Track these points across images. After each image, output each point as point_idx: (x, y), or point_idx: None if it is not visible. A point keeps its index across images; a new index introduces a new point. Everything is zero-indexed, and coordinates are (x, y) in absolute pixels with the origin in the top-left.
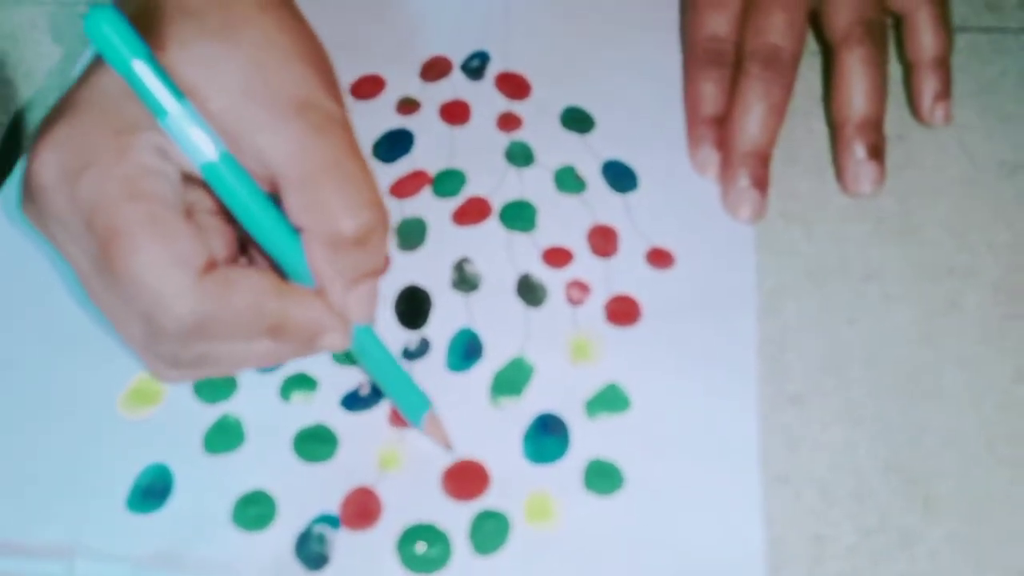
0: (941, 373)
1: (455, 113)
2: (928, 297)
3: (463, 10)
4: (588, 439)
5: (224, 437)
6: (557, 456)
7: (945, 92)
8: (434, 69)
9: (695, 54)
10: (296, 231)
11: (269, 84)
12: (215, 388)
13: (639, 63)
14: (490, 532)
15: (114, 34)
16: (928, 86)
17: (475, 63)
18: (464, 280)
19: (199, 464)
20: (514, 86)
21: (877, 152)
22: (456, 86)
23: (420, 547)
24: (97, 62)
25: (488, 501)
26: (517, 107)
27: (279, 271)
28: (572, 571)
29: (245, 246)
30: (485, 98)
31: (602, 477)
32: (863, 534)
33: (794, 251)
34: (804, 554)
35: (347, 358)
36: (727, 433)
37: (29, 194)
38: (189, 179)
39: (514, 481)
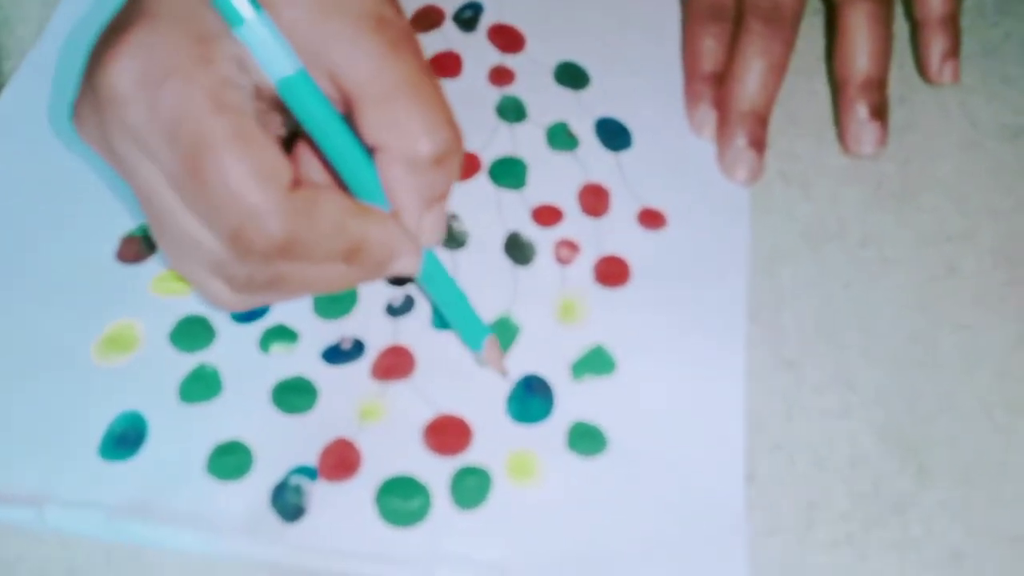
0: (938, 339)
1: (446, 65)
2: (926, 262)
3: None
4: (573, 401)
5: (200, 386)
6: (541, 417)
7: (954, 50)
8: (425, 19)
9: (695, 9)
10: (369, 152)
11: (345, 1)
12: (192, 337)
13: (637, 18)
14: (471, 487)
15: None
16: (937, 44)
17: (467, 14)
18: (451, 237)
19: (174, 413)
20: (507, 39)
21: (880, 112)
22: (448, 37)
23: (398, 501)
24: None
25: (470, 457)
26: (510, 61)
27: (333, 176)
28: (553, 529)
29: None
30: (477, 50)
31: (586, 439)
32: (856, 500)
33: (791, 213)
34: (797, 520)
35: (329, 310)
36: (713, 398)
37: (97, 104)
38: (259, 96)
39: (497, 438)
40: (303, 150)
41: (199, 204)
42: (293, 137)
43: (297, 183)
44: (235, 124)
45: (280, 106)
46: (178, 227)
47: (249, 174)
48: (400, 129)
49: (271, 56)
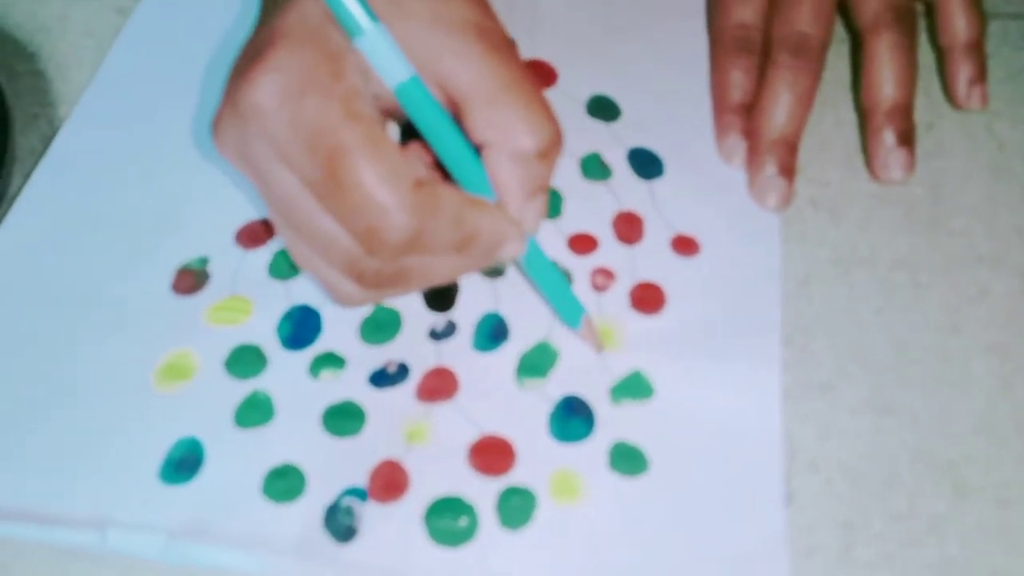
0: (970, 361)
1: None
2: (957, 285)
3: None
4: (613, 423)
5: (254, 412)
6: (582, 436)
7: (980, 76)
8: None
9: (722, 42)
10: (476, 149)
11: (449, 12)
12: (246, 364)
13: (665, 51)
14: (516, 507)
15: None
16: (963, 70)
17: None
18: (491, 267)
19: (230, 438)
20: (540, 74)
21: (907, 139)
22: None
23: (448, 522)
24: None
25: (514, 477)
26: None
27: (439, 171)
28: (597, 547)
29: None
30: None
31: (627, 459)
32: (892, 521)
33: (822, 239)
34: (834, 541)
35: (375, 336)
36: (751, 421)
37: (238, 119)
38: (377, 105)
39: (540, 458)
40: (415, 149)
41: (337, 205)
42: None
43: (420, 182)
44: (366, 131)
45: (390, 112)
46: (314, 229)
47: (381, 175)
48: (506, 127)
49: (388, 63)
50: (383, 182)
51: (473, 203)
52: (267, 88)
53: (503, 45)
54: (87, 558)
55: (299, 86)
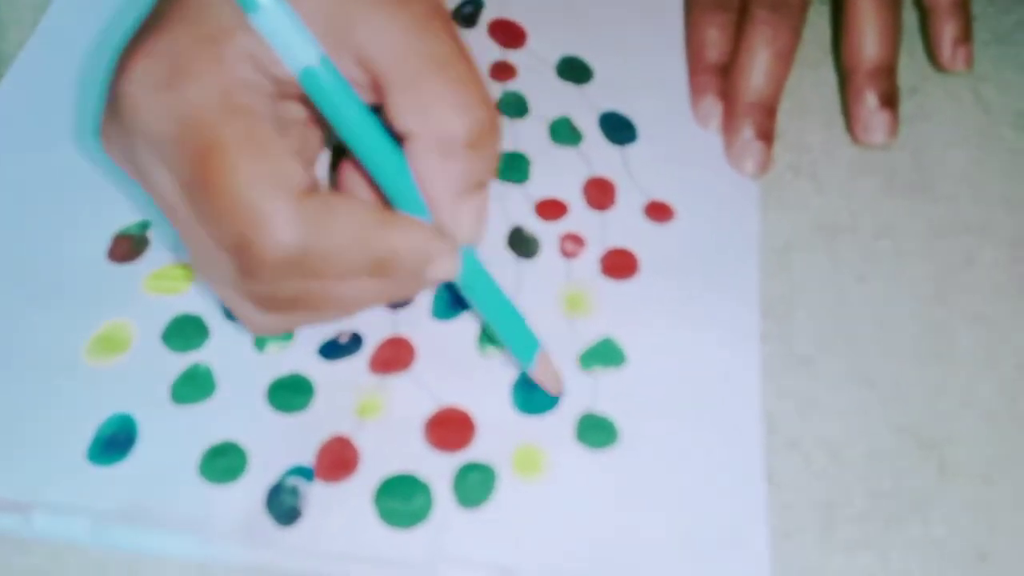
0: (956, 332)
1: None
2: (942, 254)
3: None
4: (581, 392)
5: (193, 387)
6: (548, 407)
7: (965, 36)
8: None
9: None
10: (399, 143)
11: None
12: (186, 336)
13: (638, 10)
14: (475, 484)
15: None
16: (947, 30)
17: (468, 9)
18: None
19: (166, 414)
20: (508, 34)
21: (890, 100)
22: None
23: (398, 502)
24: None
25: (473, 452)
26: (511, 56)
27: (378, 194)
28: (562, 526)
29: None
30: (478, 46)
31: (595, 430)
32: (875, 499)
33: (803, 205)
34: (814, 520)
35: None
36: (728, 392)
37: (114, 111)
38: (281, 92)
39: (502, 431)
40: (346, 165)
41: (206, 211)
42: (340, 151)
43: (312, 189)
44: (245, 127)
45: (300, 98)
46: (198, 240)
47: (257, 179)
48: (430, 110)
49: (289, 45)
50: (258, 187)
51: (385, 220)
52: (138, 77)
53: (432, 14)
54: (10, 543)
55: (172, 73)
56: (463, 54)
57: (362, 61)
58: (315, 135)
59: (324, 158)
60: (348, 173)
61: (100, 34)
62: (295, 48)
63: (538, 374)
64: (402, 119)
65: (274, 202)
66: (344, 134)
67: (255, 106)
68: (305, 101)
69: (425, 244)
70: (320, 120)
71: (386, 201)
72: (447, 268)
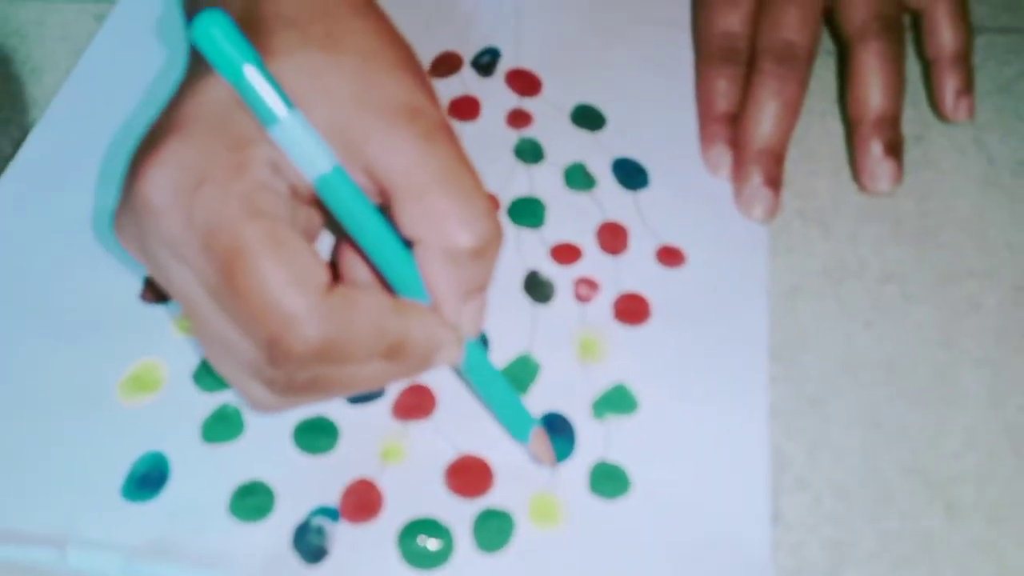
0: (961, 375)
1: (465, 109)
2: (947, 299)
3: (474, 6)
4: (595, 440)
5: (223, 426)
6: (563, 456)
7: (967, 87)
8: (444, 65)
9: (708, 51)
10: (407, 245)
11: (377, 92)
12: (215, 377)
13: (651, 60)
14: (494, 530)
15: (224, 39)
16: (950, 82)
17: (486, 59)
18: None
19: (196, 453)
20: (525, 83)
21: (895, 149)
22: (466, 82)
23: (422, 541)
24: (196, 74)
25: (492, 499)
26: (527, 104)
27: (377, 275)
28: (577, 573)
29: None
30: (495, 94)
31: (608, 480)
32: (885, 539)
33: (811, 251)
34: (823, 560)
35: None
36: (737, 437)
37: (132, 210)
38: (296, 195)
39: (519, 479)
40: (346, 247)
41: (235, 311)
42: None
43: (333, 285)
44: (269, 230)
45: (318, 202)
46: (217, 332)
47: (284, 280)
48: (438, 222)
49: (306, 154)
50: (286, 288)
51: (399, 308)
52: (159, 183)
53: (438, 129)
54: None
55: (194, 180)
56: (467, 167)
57: (371, 172)
58: (316, 220)
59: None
60: (348, 257)
61: (134, 77)
62: (311, 157)
63: (534, 450)
64: (411, 228)
65: (300, 300)
66: (357, 236)
67: (276, 209)
68: (317, 203)
69: (436, 332)
70: (329, 218)
71: (384, 282)
72: (453, 355)
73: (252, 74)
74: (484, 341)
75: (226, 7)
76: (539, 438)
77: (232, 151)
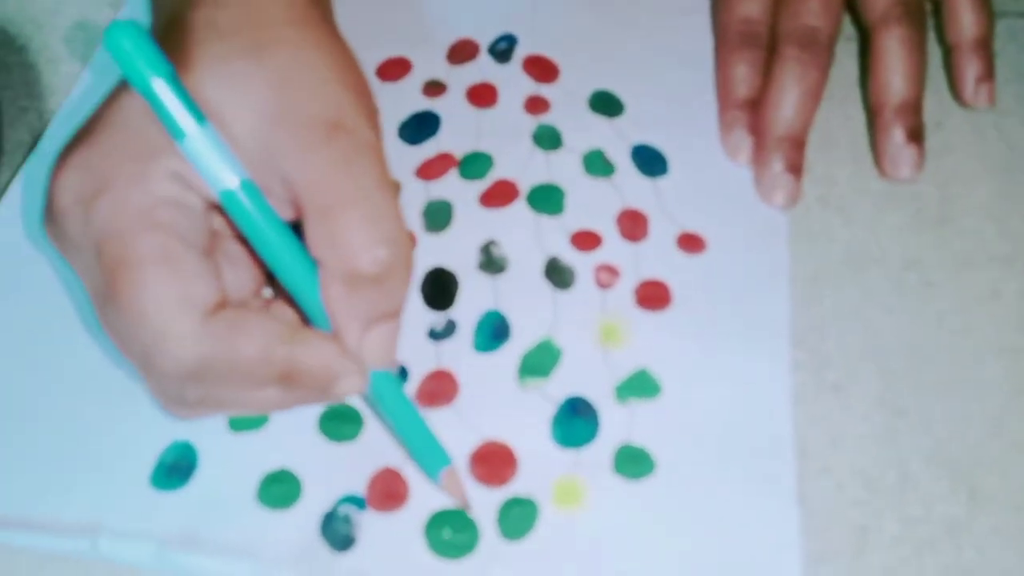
0: (983, 362)
1: (482, 96)
2: (969, 285)
3: None
4: (618, 423)
5: (249, 415)
6: (587, 440)
7: (988, 74)
8: (461, 52)
9: (728, 36)
10: (315, 266)
11: (298, 106)
12: None
13: (670, 46)
14: (518, 517)
15: (135, 50)
16: (970, 68)
17: (502, 46)
18: (491, 262)
19: (224, 442)
20: (542, 69)
21: (916, 135)
22: (483, 69)
23: (447, 534)
24: (122, 84)
25: (516, 487)
26: (545, 90)
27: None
28: (602, 555)
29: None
30: (512, 81)
31: (633, 462)
32: (907, 525)
33: (832, 238)
34: (847, 546)
35: None
36: (760, 421)
37: (49, 215)
38: (214, 206)
39: (542, 465)
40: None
41: (115, 322)
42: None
43: (221, 306)
44: (160, 245)
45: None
46: (113, 336)
47: (164, 297)
48: (339, 244)
49: (211, 170)
50: (162, 305)
51: (291, 336)
52: (65, 186)
53: (359, 147)
54: (78, 566)
55: (94, 188)
56: (383, 190)
57: (288, 188)
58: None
59: None
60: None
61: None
62: (218, 172)
63: (445, 488)
64: (315, 249)
65: (175, 321)
66: (262, 253)
67: (174, 223)
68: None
69: (331, 362)
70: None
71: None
72: (353, 386)
73: (161, 88)
74: (503, 324)
75: (158, 10)
76: (451, 478)
77: (138, 161)
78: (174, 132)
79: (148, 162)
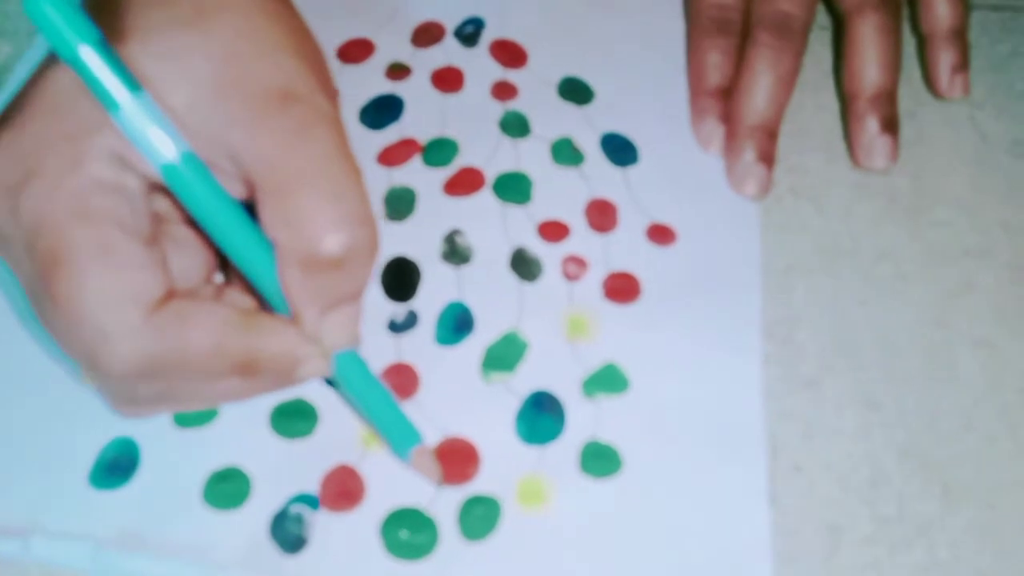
0: (957, 356)
1: (447, 80)
2: (942, 278)
3: None
4: (585, 419)
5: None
6: (552, 436)
7: (963, 64)
8: (426, 34)
9: (700, 22)
10: (271, 246)
11: (246, 75)
12: None
13: (641, 32)
14: (480, 517)
15: (58, 16)
16: (945, 58)
17: (469, 29)
18: (455, 252)
19: (168, 438)
20: (510, 54)
21: (891, 125)
22: (449, 52)
23: (405, 534)
24: (52, 57)
25: (478, 485)
26: (512, 76)
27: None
28: (566, 557)
29: (226, 260)
30: (479, 66)
31: (599, 459)
32: (880, 523)
33: (804, 229)
34: (819, 545)
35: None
36: (731, 416)
37: None
38: (157, 187)
39: (506, 462)
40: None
41: (53, 320)
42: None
43: (168, 298)
44: (97, 236)
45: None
46: (52, 332)
47: (104, 294)
48: (297, 224)
49: (150, 143)
50: (104, 302)
51: (244, 324)
52: None
53: (315, 118)
54: (9, 568)
55: (22, 173)
56: (344, 163)
57: (237, 163)
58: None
59: None
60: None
61: None
62: (158, 144)
63: (415, 467)
64: (270, 229)
65: (117, 317)
66: (212, 233)
67: (112, 211)
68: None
69: (290, 348)
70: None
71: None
72: (316, 369)
73: (89, 55)
74: (467, 317)
75: None
76: (422, 456)
77: (69, 142)
78: (107, 103)
79: (81, 142)
